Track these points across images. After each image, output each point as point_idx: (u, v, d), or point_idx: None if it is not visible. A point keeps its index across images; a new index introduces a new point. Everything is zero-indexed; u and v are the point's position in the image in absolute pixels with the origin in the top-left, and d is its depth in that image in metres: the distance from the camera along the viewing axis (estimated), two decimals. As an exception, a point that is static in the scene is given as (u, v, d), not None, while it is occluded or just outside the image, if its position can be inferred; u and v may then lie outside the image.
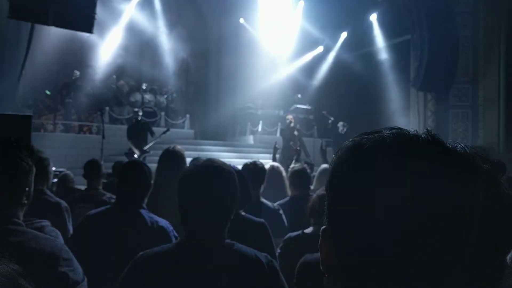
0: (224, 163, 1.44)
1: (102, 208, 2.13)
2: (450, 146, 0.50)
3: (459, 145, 0.51)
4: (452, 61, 11.05)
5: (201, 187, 1.34)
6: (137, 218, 1.99)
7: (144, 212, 2.03)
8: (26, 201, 1.38)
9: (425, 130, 0.53)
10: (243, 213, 2.16)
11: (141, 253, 1.35)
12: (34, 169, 1.41)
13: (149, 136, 8.95)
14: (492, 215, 0.47)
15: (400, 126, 0.54)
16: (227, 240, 1.37)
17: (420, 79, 11.23)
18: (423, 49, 10.97)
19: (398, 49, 13.04)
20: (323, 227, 0.55)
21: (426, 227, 0.46)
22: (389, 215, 0.46)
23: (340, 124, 11.49)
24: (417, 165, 0.47)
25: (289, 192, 3.82)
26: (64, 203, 2.71)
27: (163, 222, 2.00)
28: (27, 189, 1.38)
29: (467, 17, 10.88)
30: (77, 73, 10.89)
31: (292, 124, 9.88)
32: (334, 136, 11.70)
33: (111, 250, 1.83)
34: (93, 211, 2.13)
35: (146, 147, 8.60)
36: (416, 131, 0.52)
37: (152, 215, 2.03)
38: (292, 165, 4.49)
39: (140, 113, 9.31)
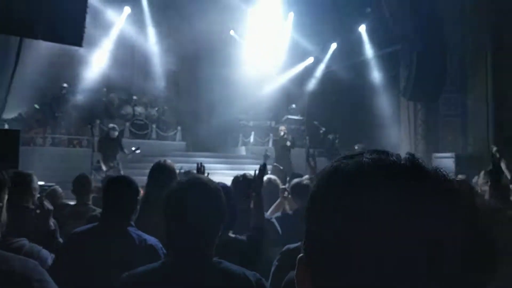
0: (209, 180, 1.41)
1: (88, 226, 2.07)
2: (431, 173, 0.49)
3: (440, 172, 0.50)
4: (441, 71, 11.19)
5: (186, 206, 1.32)
6: (124, 237, 1.94)
7: (131, 230, 1.98)
8: None
9: (406, 155, 0.51)
10: (231, 235, 2.11)
11: (126, 273, 1.31)
12: (6, 184, 1.36)
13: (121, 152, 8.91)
14: (468, 251, 0.46)
15: (383, 149, 0.53)
16: (215, 259, 1.33)
17: (409, 88, 11.34)
18: (411, 59, 11.10)
19: (387, 59, 13.18)
20: (300, 255, 0.53)
21: (404, 262, 0.44)
22: (367, 253, 0.45)
23: (331, 136, 11.56)
24: (394, 196, 0.46)
25: (286, 205, 3.77)
26: (51, 221, 2.64)
27: (152, 240, 1.95)
28: None
29: (455, 26, 11.06)
30: (66, 85, 10.79)
31: (285, 136, 9.90)
32: (326, 147, 11.75)
33: (97, 270, 1.78)
34: (78, 229, 2.07)
35: (114, 163, 8.53)
36: (398, 156, 0.51)
37: (140, 233, 1.98)
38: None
39: (116, 131, 9.15)
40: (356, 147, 11.19)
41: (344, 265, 0.47)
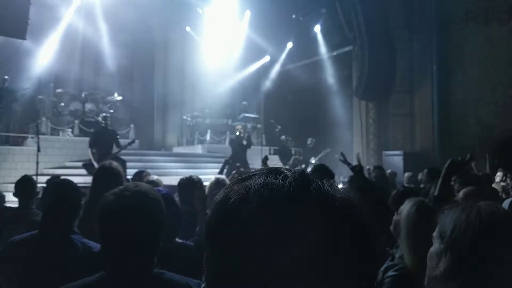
0: (148, 189, 1.36)
1: (28, 233, 1.96)
2: (313, 193, 0.51)
3: (324, 190, 0.51)
4: (391, 72, 11.66)
5: (122, 219, 1.27)
6: (67, 245, 1.85)
7: (75, 237, 1.89)
8: None
9: (295, 174, 0.52)
10: (178, 240, 2.08)
11: (64, 286, 1.25)
12: None
13: (114, 147, 8.29)
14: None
15: (275, 168, 0.55)
16: (156, 270, 1.30)
17: (361, 88, 11.73)
18: (363, 60, 11.48)
19: (340, 59, 13.54)
20: (202, 285, 0.54)
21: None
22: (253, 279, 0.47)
23: (283, 137, 11.74)
24: (276, 223, 0.48)
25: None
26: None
27: (97, 247, 1.86)
28: None
29: (403, 31, 11.55)
30: (7, 77, 10.12)
31: (241, 134, 9.93)
32: (280, 147, 11.90)
33: (39, 280, 1.69)
34: (17, 238, 1.95)
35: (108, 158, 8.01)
36: (284, 177, 0.52)
37: (85, 240, 1.89)
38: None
39: (108, 120, 8.57)
40: (308, 141, 11.44)
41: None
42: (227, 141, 12.44)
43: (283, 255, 0.47)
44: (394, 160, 10.63)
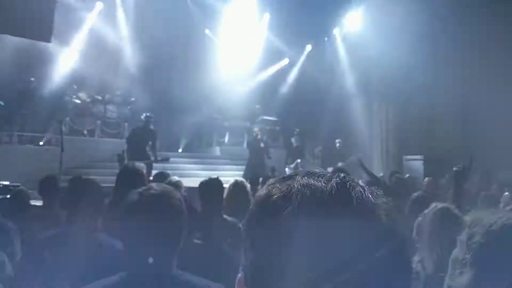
0: (170, 190, 1.38)
1: (53, 231, 2.00)
2: (354, 197, 0.52)
3: (364, 195, 0.53)
4: (411, 74, 11.47)
5: (143, 218, 1.29)
6: (91, 242, 1.89)
7: (99, 235, 1.93)
8: None
9: (336, 178, 0.54)
10: (196, 241, 2.10)
11: (86, 286, 1.27)
12: None
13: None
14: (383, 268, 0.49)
15: (316, 169, 0.56)
16: (176, 271, 1.31)
17: (381, 91, 11.59)
18: (383, 62, 11.35)
19: (360, 62, 13.40)
20: (239, 275, 0.56)
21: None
22: (293, 279, 0.48)
23: (293, 139, 11.66)
24: (317, 222, 0.49)
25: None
26: (9, 224, 2.55)
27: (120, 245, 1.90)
28: None
29: (425, 30, 11.31)
30: (33, 79, 10.39)
31: (258, 137, 9.92)
32: (288, 149, 11.85)
33: (63, 276, 1.72)
34: (42, 234, 2.00)
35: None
36: (327, 179, 0.53)
37: (109, 238, 1.93)
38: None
39: (150, 120, 8.46)
40: (337, 142, 11.23)
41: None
42: (245, 143, 12.47)
43: (320, 255, 0.48)
44: (415, 165, 10.46)
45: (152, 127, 8.56)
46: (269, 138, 13.44)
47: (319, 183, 0.53)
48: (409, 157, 10.98)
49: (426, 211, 1.88)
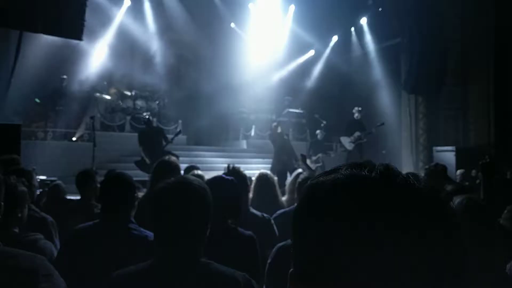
0: (195, 180, 1.43)
1: (90, 222, 2.10)
2: (400, 184, 0.53)
3: (410, 182, 0.53)
4: (442, 64, 11.16)
5: (171, 208, 1.34)
6: (125, 233, 1.97)
7: (132, 226, 2.01)
8: None
9: (379, 167, 0.55)
10: (232, 225, 2.14)
11: (116, 272, 1.34)
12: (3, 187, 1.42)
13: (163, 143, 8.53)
14: (438, 260, 0.50)
15: (359, 162, 0.57)
16: (203, 259, 1.35)
17: (410, 82, 11.32)
18: (412, 52, 11.07)
19: (388, 52, 13.12)
20: (291, 270, 0.57)
21: (388, 270, 0.48)
22: (356, 265, 0.49)
23: (318, 131, 11.54)
24: (368, 210, 0.50)
25: (282, 201, 3.76)
26: (50, 218, 2.67)
27: (152, 236, 1.96)
28: None
29: (456, 20, 10.98)
30: (65, 77, 10.77)
31: (279, 130, 9.86)
32: (312, 143, 11.76)
33: (99, 266, 1.81)
34: (80, 226, 2.10)
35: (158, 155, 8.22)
36: (370, 169, 0.55)
37: (141, 229, 2.01)
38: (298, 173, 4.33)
39: (151, 121, 8.91)
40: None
41: (341, 277, 0.50)
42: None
43: (370, 246, 0.49)
44: (446, 156, 10.18)
45: (155, 125, 8.81)
46: (295, 130, 13.41)
47: (363, 172, 0.54)
48: (440, 148, 10.71)
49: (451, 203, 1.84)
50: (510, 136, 9.95)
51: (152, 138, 8.51)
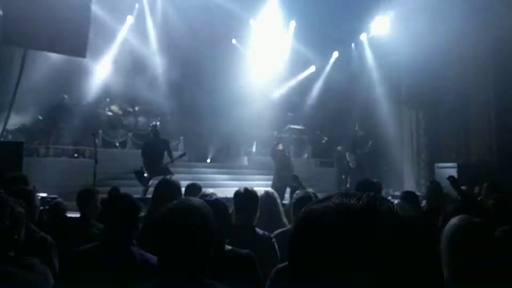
0: (199, 203, 1.46)
1: (90, 245, 2.08)
2: (383, 214, 0.58)
3: (393, 212, 0.58)
4: (441, 78, 11.18)
5: (174, 231, 1.37)
6: (126, 256, 1.95)
7: (134, 249, 1.99)
8: None
9: (366, 197, 0.60)
10: (228, 247, 2.13)
11: None
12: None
13: (166, 157, 8.43)
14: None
15: (349, 192, 0.63)
16: (207, 281, 1.37)
17: (410, 97, 11.36)
18: (413, 68, 11.13)
19: (389, 68, 13.19)
20: None
21: None
22: None
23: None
24: (351, 237, 0.55)
25: (285, 220, 3.71)
26: (49, 239, 2.65)
27: (154, 259, 1.94)
28: None
29: (458, 35, 11.03)
30: (66, 97, 10.86)
31: (280, 147, 9.85)
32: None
33: (100, 290, 1.79)
34: (80, 248, 2.08)
35: (161, 167, 8.12)
36: (358, 198, 0.60)
37: (142, 252, 1.99)
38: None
39: (158, 129, 8.63)
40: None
41: None
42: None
43: (356, 266, 0.54)
44: (448, 172, 10.13)
45: (161, 136, 8.73)
46: (297, 147, 13.40)
47: (352, 201, 0.59)
48: (441, 164, 10.67)
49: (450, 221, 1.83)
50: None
51: (156, 149, 8.42)
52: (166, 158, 8.49)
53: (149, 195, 6.66)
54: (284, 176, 8.57)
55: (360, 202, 0.58)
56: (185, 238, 1.35)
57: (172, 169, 8.35)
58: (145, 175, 8.27)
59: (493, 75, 10.41)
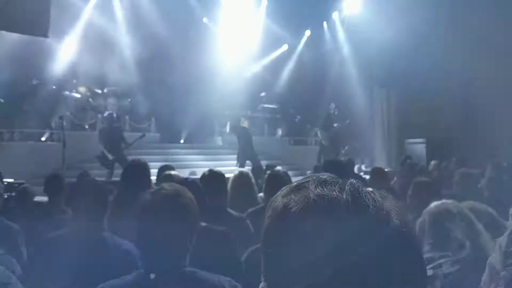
0: (182, 189, 1.43)
1: (60, 231, 2.01)
2: (367, 205, 0.55)
3: (377, 203, 0.55)
4: (412, 55, 11.33)
5: (156, 219, 1.34)
6: (99, 242, 1.90)
7: (106, 234, 1.94)
8: None
9: (348, 186, 0.57)
10: (203, 224, 2.12)
11: (100, 285, 1.30)
12: None
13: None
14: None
15: (329, 176, 0.59)
16: (189, 268, 1.35)
17: (382, 75, 11.51)
18: (383, 46, 11.23)
19: (361, 46, 13.27)
20: (261, 284, 0.59)
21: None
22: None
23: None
24: (334, 230, 0.52)
25: (259, 197, 3.74)
26: (15, 226, 2.56)
27: (127, 245, 1.90)
28: None
29: (430, 15, 11.14)
30: (36, 81, 10.43)
31: (244, 124, 9.82)
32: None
33: (71, 277, 1.74)
34: (50, 235, 2.01)
35: (120, 151, 8.22)
36: (341, 187, 0.56)
37: (115, 237, 1.94)
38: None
39: (113, 118, 8.80)
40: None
41: None
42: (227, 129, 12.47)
43: (339, 264, 0.51)
44: (417, 148, 10.44)
45: (115, 124, 8.68)
46: (270, 126, 13.43)
47: (334, 193, 0.55)
48: (411, 140, 10.95)
49: (426, 209, 1.86)
50: (477, 128, 10.28)
51: (111, 139, 8.41)
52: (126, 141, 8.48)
53: (115, 178, 6.67)
54: (249, 154, 8.65)
55: (344, 195, 0.55)
56: (169, 225, 1.33)
57: (145, 150, 8.27)
58: (110, 158, 8.17)
59: (462, 56, 10.63)
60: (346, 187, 0.56)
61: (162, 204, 1.35)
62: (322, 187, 0.56)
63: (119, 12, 13.19)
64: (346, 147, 10.83)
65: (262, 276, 0.59)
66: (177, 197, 1.37)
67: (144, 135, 8.74)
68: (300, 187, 0.58)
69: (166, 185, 1.42)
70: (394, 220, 0.55)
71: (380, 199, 0.56)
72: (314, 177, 0.59)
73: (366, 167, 11.03)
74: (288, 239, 0.55)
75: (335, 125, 10.51)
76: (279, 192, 0.60)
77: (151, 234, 1.33)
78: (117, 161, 7.92)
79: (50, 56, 11.28)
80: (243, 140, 9.38)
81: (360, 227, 0.53)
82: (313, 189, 0.56)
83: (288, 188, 0.60)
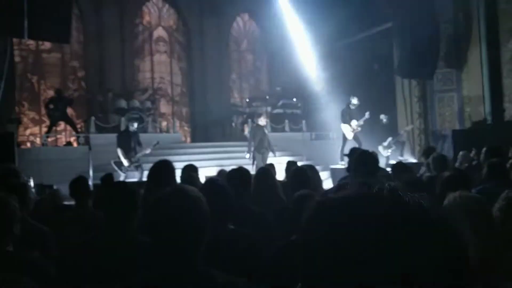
0: (192, 191, 1.45)
1: (92, 235, 2.06)
2: (410, 205, 0.56)
3: (418, 203, 0.56)
4: (434, 47, 11.09)
5: (168, 218, 1.36)
6: (132, 246, 1.92)
7: (139, 237, 1.96)
8: None
9: (387, 186, 0.58)
10: (231, 227, 2.13)
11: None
12: None
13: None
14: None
15: (365, 182, 0.62)
16: (202, 267, 1.36)
17: (403, 66, 11.28)
18: (404, 36, 11.01)
19: (380, 37, 13.02)
20: (299, 285, 0.60)
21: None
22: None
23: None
24: (380, 229, 0.53)
25: (282, 195, 3.72)
26: (47, 230, 2.62)
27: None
28: None
29: (446, 2, 10.91)
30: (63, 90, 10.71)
31: (262, 122, 9.71)
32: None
33: (100, 280, 1.77)
34: (80, 239, 2.05)
35: (135, 158, 8.39)
36: (380, 188, 0.57)
37: (146, 238, 1.95)
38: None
39: (135, 125, 8.93)
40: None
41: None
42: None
43: (383, 263, 0.52)
44: (442, 139, 10.20)
45: (132, 129, 8.74)
46: (291, 122, 13.34)
47: (370, 200, 0.57)
48: (435, 131, 10.69)
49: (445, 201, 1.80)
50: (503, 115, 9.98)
51: (129, 141, 8.51)
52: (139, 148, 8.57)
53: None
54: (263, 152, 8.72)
55: (384, 195, 0.57)
56: (178, 226, 1.34)
57: (168, 150, 8.39)
58: (125, 164, 8.33)
59: (486, 41, 10.31)
60: (386, 189, 0.58)
61: (172, 203, 1.38)
62: (358, 195, 0.58)
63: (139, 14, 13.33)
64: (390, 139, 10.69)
65: (299, 275, 0.59)
66: (187, 196, 1.39)
67: (158, 143, 8.82)
68: (339, 186, 0.61)
69: (177, 185, 1.45)
70: (432, 221, 0.57)
71: (420, 201, 0.57)
72: (355, 182, 0.62)
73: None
74: (326, 239, 0.56)
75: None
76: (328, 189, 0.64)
77: (161, 233, 1.36)
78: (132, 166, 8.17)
79: (75, 61, 11.54)
80: (258, 137, 9.38)
81: (398, 225, 0.54)
82: (352, 191, 0.59)
83: (330, 189, 0.63)
